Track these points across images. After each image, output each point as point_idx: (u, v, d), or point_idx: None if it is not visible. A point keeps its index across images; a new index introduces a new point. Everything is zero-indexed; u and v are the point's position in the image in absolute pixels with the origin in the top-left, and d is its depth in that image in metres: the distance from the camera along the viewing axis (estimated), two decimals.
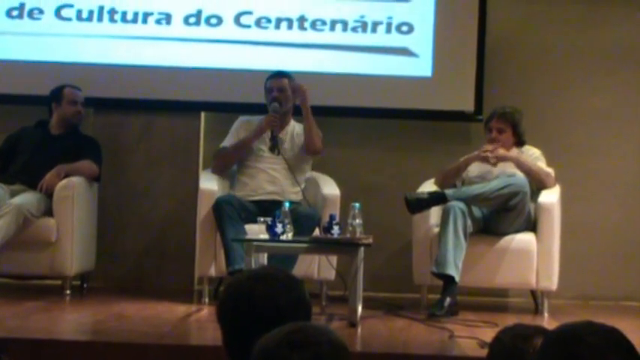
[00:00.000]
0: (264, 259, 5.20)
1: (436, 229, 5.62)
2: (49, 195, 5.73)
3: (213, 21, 6.35)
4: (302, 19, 6.35)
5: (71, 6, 6.34)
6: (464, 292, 5.62)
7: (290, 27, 6.35)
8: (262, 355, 1.77)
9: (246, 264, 5.05)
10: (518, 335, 2.19)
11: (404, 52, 6.35)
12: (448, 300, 5.35)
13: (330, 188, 5.83)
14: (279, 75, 5.94)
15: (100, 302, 5.56)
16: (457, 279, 5.42)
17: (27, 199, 5.69)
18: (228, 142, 5.94)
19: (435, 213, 5.69)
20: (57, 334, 4.69)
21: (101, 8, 6.34)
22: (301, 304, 2.14)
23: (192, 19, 6.35)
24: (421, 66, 6.35)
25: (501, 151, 5.71)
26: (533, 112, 6.12)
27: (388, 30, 6.34)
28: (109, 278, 6.26)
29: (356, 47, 6.35)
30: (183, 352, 4.25)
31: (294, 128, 5.96)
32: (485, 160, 5.72)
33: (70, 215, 5.70)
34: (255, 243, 5.05)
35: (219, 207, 5.54)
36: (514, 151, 5.80)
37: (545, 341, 1.90)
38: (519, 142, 5.85)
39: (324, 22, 6.35)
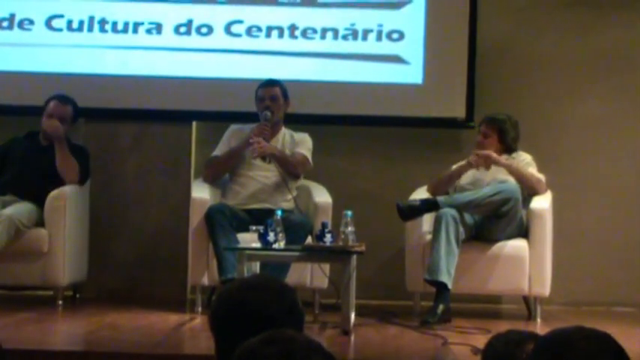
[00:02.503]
0: (256, 267, 5.20)
1: (428, 237, 5.63)
2: (40, 204, 5.71)
3: (204, 30, 6.35)
4: (293, 28, 6.35)
5: (61, 16, 6.34)
6: (456, 298, 5.61)
7: (281, 35, 6.36)
8: (238, 352, 1.82)
9: (238, 273, 5.04)
10: (510, 341, 2.19)
11: (395, 59, 6.36)
12: (441, 307, 5.35)
13: (322, 196, 5.83)
14: (271, 83, 5.94)
15: (92, 312, 5.55)
16: (450, 286, 5.43)
17: (18, 209, 5.68)
18: (219, 150, 5.95)
19: (427, 220, 5.70)
20: (50, 344, 4.68)
21: (91, 18, 6.34)
22: (293, 312, 2.14)
23: (182, 29, 6.35)
24: (412, 73, 6.35)
25: (494, 156, 5.71)
26: (524, 119, 6.12)
27: (379, 38, 6.35)
28: (101, 288, 6.25)
29: (347, 55, 6.36)
30: None
31: (285, 136, 5.96)
32: (473, 164, 5.74)
33: (61, 225, 5.69)
34: (247, 252, 5.05)
35: (212, 216, 5.54)
36: (504, 158, 5.82)
37: (537, 346, 1.91)
38: (508, 149, 5.86)
39: (314, 31, 6.36)
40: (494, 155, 5.72)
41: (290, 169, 5.85)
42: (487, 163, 5.72)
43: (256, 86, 5.94)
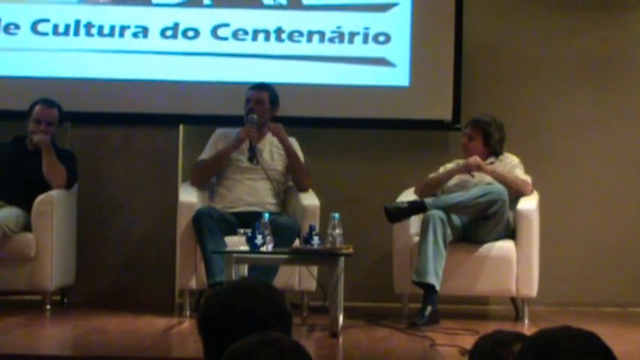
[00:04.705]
0: (244, 270, 5.20)
1: (416, 238, 5.64)
2: (27, 209, 5.70)
3: (190, 34, 6.35)
4: (279, 31, 6.36)
5: (47, 20, 6.33)
6: (444, 300, 5.63)
7: (267, 39, 6.36)
8: (229, 353, 1.85)
9: (226, 276, 5.05)
10: (497, 342, 2.19)
11: (381, 62, 6.37)
12: (429, 309, 5.36)
13: (309, 199, 5.83)
14: (260, 87, 5.95)
15: (80, 317, 5.54)
16: (438, 287, 5.44)
17: (5, 214, 5.67)
18: (206, 154, 5.95)
19: (414, 222, 5.71)
20: (38, 349, 4.68)
21: (77, 22, 6.33)
22: (281, 315, 2.15)
23: (168, 32, 6.35)
24: (399, 76, 6.36)
25: (479, 161, 5.73)
26: (510, 121, 6.14)
27: (365, 40, 6.36)
28: (89, 292, 6.24)
29: (333, 58, 6.37)
30: None
31: (273, 139, 5.96)
32: (466, 170, 5.76)
33: (49, 230, 5.68)
34: (235, 255, 5.05)
35: (199, 219, 5.54)
36: (490, 160, 5.83)
37: (524, 347, 1.92)
38: (493, 152, 5.87)
39: (301, 34, 6.36)
40: (480, 161, 5.74)
41: (301, 175, 5.85)
42: (473, 168, 5.75)
43: (243, 89, 5.95)
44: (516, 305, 5.89)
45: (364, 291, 6.26)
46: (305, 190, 5.90)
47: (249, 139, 5.81)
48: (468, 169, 5.76)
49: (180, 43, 6.34)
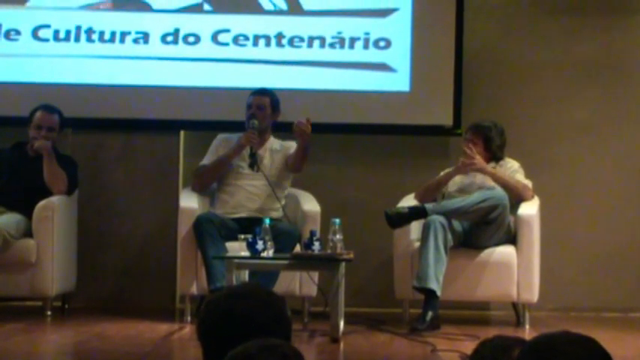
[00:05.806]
0: (245, 276, 5.20)
1: (417, 244, 5.64)
2: (28, 215, 5.71)
3: (191, 39, 6.35)
4: (279, 36, 6.36)
5: (48, 26, 6.34)
6: (445, 305, 5.62)
7: (268, 44, 6.36)
8: (229, 359, 1.86)
9: (227, 281, 5.04)
10: (497, 347, 2.19)
11: (382, 67, 6.37)
12: (430, 314, 5.36)
13: (310, 204, 5.83)
14: (261, 92, 5.94)
15: (81, 322, 5.54)
16: (438, 293, 5.43)
17: (6, 220, 5.67)
18: (207, 160, 5.95)
19: (415, 227, 5.71)
20: (38, 355, 4.68)
21: (78, 28, 6.34)
22: (281, 321, 2.14)
23: (169, 38, 6.35)
24: (399, 81, 6.37)
25: (480, 163, 5.72)
26: (511, 125, 6.14)
27: (366, 46, 6.37)
28: (90, 298, 6.24)
29: (334, 63, 6.37)
30: None
31: (273, 145, 5.97)
32: (462, 169, 5.76)
33: (49, 236, 5.68)
34: (235, 260, 5.05)
35: (200, 225, 5.54)
36: (491, 165, 5.83)
37: (523, 351, 1.91)
38: (494, 157, 5.87)
39: (301, 39, 6.37)
40: (482, 163, 5.73)
41: (303, 159, 5.79)
42: (473, 170, 5.74)
43: (244, 95, 5.95)
44: (517, 310, 5.88)
45: (365, 296, 6.26)
46: (296, 170, 5.86)
47: (250, 145, 5.80)
48: (464, 167, 5.74)
49: (181, 49, 6.35)
